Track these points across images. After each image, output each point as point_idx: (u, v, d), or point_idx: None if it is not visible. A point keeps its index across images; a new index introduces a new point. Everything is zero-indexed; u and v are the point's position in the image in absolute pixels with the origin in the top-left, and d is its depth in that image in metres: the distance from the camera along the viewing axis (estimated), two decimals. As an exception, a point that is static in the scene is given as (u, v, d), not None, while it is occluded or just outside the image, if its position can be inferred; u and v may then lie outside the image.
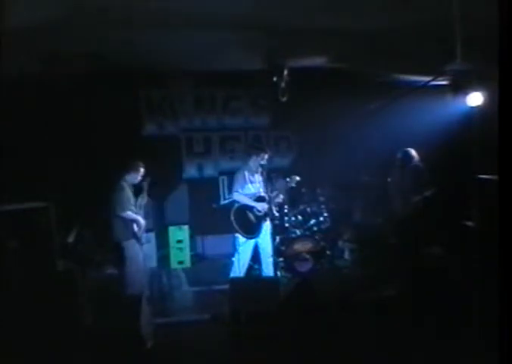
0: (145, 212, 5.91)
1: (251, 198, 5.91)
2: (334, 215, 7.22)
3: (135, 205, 5.74)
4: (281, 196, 6.18)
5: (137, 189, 5.82)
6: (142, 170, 5.72)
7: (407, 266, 5.77)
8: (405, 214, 6.32)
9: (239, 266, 5.90)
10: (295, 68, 5.79)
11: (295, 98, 6.19)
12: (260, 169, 5.98)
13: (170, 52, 5.67)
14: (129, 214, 5.55)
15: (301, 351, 4.03)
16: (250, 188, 5.94)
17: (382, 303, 5.14)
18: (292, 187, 6.27)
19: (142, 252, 5.76)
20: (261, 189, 5.98)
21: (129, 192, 5.65)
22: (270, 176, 6.11)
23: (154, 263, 6.98)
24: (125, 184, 5.62)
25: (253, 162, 5.96)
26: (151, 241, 6.70)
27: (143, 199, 5.79)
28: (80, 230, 6.66)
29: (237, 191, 5.91)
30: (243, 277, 5.87)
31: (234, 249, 6.09)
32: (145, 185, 5.78)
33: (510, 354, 2.07)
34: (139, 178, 5.74)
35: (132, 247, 5.63)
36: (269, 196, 5.94)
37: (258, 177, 6.00)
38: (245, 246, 5.91)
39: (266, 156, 5.99)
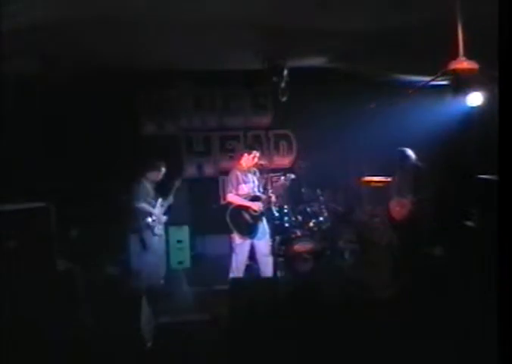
0: (167, 210, 6.29)
1: (245, 198, 5.89)
2: (334, 215, 7.22)
3: (156, 201, 5.93)
4: (274, 196, 6.17)
5: (164, 189, 6.25)
6: (163, 169, 6.02)
7: (407, 266, 5.77)
8: (405, 214, 6.32)
9: (237, 266, 5.90)
10: (295, 68, 5.78)
11: (295, 98, 6.18)
12: (253, 168, 5.97)
13: (170, 52, 5.67)
14: (144, 206, 5.93)
15: (301, 351, 4.03)
16: (244, 188, 5.91)
17: (382, 303, 5.14)
18: (288, 186, 6.26)
19: (155, 245, 6.01)
20: (256, 189, 5.97)
21: (147, 188, 5.92)
22: (265, 175, 6.12)
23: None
24: (144, 180, 6.00)
25: (245, 162, 5.94)
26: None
27: (168, 199, 6.24)
28: (80, 230, 6.67)
29: (231, 192, 5.90)
30: (243, 277, 5.87)
31: (231, 250, 6.09)
32: (174, 186, 6.27)
33: (511, 354, 2.08)
34: (160, 176, 6.02)
35: (145, 238, 5.86)
36: (264, 196, 5.94)
37: (252, 177, 5.98)
38: (242, 246, 5.90)
39: (257, 155, 5.97)
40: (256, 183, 6.00)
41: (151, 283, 5.88)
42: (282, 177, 6.17)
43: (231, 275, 5.91)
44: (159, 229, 6.13)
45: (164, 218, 6.24)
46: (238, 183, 5.88)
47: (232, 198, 5.88)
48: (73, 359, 3.84)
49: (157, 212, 6.07)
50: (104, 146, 6.92)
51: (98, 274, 6.06)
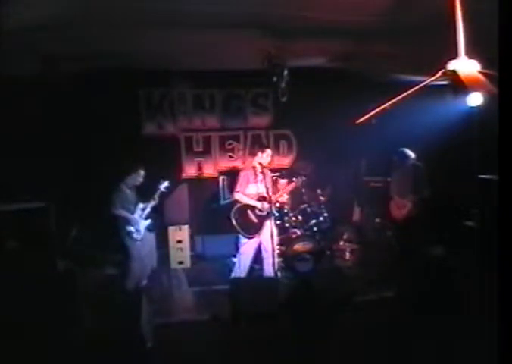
0: (150, 213, 5.98)
1: (252, 198, 5.88)
2: (334, 215, 7.22)
3: (135, 205, 5.80)
4: (285, 196, 6.16)
5: (145, 191, 5.96)
6: (142, 172, 5.83)
7: (407, 266, 5.77)
8: (405, 213, 6.32)
9: (241, 266, 5.88)
10: (295, 68, 5.78)
11: (295, 98, 6.18)
12: (264, 169, 5.97)
13: (170, 52, 5.67)
14: (122, 212, 5.69)
15: (301, 351, 4.03)
16: (252, 188, 5.91)
17: (382, 303, 5.14)
18: (297, 188, 6.26)
19: (138, 250, 5.81)
20: (264, 189, 5.93)
21: (126, 193, 5.75)
22: (274, 176, 6.12)
23: (154, 263, 6.97)
24: (123, 185, 5.74)
25: (256, 161, 5.94)
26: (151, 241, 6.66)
27: (151, 202, 5.93)
28: (80, 230, 6.67)
29: (238, 190, 5.89)
30: (243, 277, 5.87)
31: (236, 250, 6.07)
32: (159, 189, 5.94)
33: (510, 354, 2.07)
34: (140, 180, 5.85)
35: (128, 245, 5.74)
36: (271, 196, 5.92)
37: (262, 177, 5.95)
38: (247, 246, 5.88)
39: (270, 154, 5.98)
40: (265, 183, 5.96)
41: (134, 288, 5.71)
42: (294, 179, 6.15)
43: (233, 275, 5.89)
44: (139, 234, 5.82)
45: (147, 223, 5.93)
46: (247, 182, 5.87)
47: (239, 196, 5.88)
48: (72, 359, 3.84)
49: (137, 218, 5.82)
50: (102, 146, 6.91)
51: (97, 274, 6.06)
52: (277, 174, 6.66)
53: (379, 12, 4.05)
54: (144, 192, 5.98)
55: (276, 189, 6.23)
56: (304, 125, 7.80)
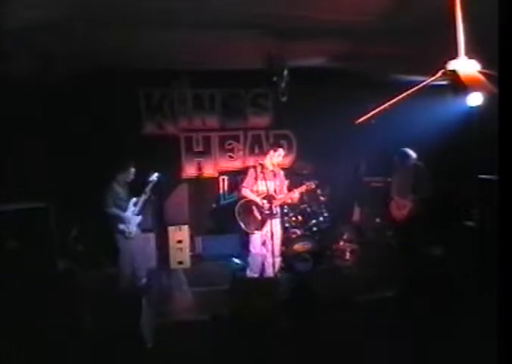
0: (142, 209, 5.97)
1: (259, 195, 5.88)
2: (334, 215, 7.22)
3: (127, 202, 5.79)
4: (294, 197, 6.13)
5: (137, 187, 5.95)
6: (132, 168, 5.83)
7: (407, 266, 5.77)
8: (405, 214, 6.33)
9: (253, 265, 5.88)
10: (295, 68, 5.78)
11: (295, 98, 6.18)
12: (275, 168, 5.96)
13: (169, 52, 5.67)
14: (113, 210, 5.73)
15: (301, 351, 4.03)
16: (259, 185, 5.89)
17: (382, 303, 5.14)
18: (307, 191, 6.24)
19: (131, 248, 5.80)
20: (272, 188, 5.91)
21: (117, 190, 5.75)
22: (286, 176, 6.12)
23: (154, 263, 6.98)
24: (113, 183, 5.73)
25: (268, 159, 5.93)
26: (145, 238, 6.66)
27: (142, 197, 5.90)
28: (80, 230, 6.67)
29: (246, 187, 5.89)
30: (243, 277, 5.87)
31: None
32: (150, 183, 5.91)
33: (510, 354, 2.07)
34: (131, 177, 5.85)
35: (120, 243, 5.74)
36: (280, 196, 5.90)
37: (271, 176, 5.93)
38: (255, 245, 5.88)
39: (282, 154, 5.98)
40: (274, 182, 5.95)
41: (130, 286, 5.74)
42: (307, 183, 6.12)
43: (248, 273, 5.89)
44: (131, 232, 5.80)
45: (138, 219, 5.92)
46: (255, 180, 5.86)
47: (245, 192, 5.88)
48: (72, 359, 3.84)
49: (129, 215, 5.80)
50: (102, 146, 6.90)
51: (97, 274, 6.05)
52: (289, 174, 6.61)
53: (379, 12, 4.05)
54: (137, 190, 5.99)
55: (283, 190, 6.16)
56: (304, 125, 7.80)
